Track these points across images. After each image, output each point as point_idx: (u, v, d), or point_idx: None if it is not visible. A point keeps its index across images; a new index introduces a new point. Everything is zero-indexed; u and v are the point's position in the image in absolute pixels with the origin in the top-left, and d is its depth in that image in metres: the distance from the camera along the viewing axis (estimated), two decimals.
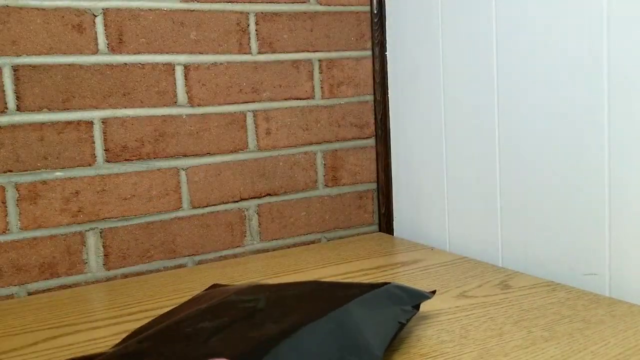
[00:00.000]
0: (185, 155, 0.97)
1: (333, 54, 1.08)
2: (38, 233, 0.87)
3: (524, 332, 0.60)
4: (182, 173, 0.97)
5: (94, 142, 0.90)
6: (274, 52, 1.03)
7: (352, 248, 1.01)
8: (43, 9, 0.86)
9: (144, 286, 0.85)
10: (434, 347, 0.58)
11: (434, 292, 0.65)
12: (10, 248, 0.86)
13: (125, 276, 0.93)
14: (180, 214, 0.97)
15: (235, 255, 1.02)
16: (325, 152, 1.09)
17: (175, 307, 0.60)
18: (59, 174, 0.88)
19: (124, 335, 0.65)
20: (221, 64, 0.99)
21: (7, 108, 0.85)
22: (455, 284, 0.78)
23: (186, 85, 0.96)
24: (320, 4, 1.06)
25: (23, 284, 0.87)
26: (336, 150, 1.10)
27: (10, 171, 0.86)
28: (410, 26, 1.04)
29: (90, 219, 0.91)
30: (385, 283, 0.61)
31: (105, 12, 0.90)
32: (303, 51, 1.05)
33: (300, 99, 1.06)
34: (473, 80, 0.91)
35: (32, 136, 0.86)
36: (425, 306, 0.69)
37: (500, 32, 0.85)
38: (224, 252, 1.01)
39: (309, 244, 1.08)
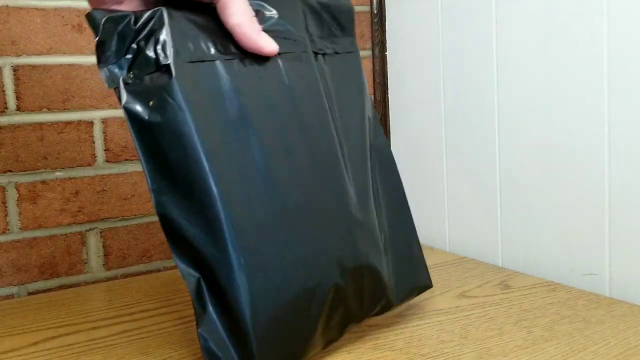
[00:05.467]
0: None
1: None
2: (38, 233, 0.87)
3: (524, 332, 0.60)
4: None
5: (94, 142, 0.90)
6: None
7: None
8: (43, 9, 0.86)
9: (144, 286, 0.85)
10: (434, 346, 0.58)
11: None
12: (10, 248, 0.86)
13: (125, 276, 0.93)
14: None
15: None
16: None
17: None
18: (59, 174, 0.88)
19: (124, 335, 0.65)
20: None
21: (7, 108, 0.85)
22: (455, 284, 0.78)
23: None
24: None
25: (23, 284, 0.87)
26: None
27: (10, 171, 0.86)
28: (410, 26, 1.04)
29: (90, 219, 0.91)
30: None
31: None
32: None
33: None
34: (473, 80, 0.91)
35: (32, 136, 0.86)
36: (425, 306, 0.69)
37: (500, 31, 0.85)
38: None
39: None
